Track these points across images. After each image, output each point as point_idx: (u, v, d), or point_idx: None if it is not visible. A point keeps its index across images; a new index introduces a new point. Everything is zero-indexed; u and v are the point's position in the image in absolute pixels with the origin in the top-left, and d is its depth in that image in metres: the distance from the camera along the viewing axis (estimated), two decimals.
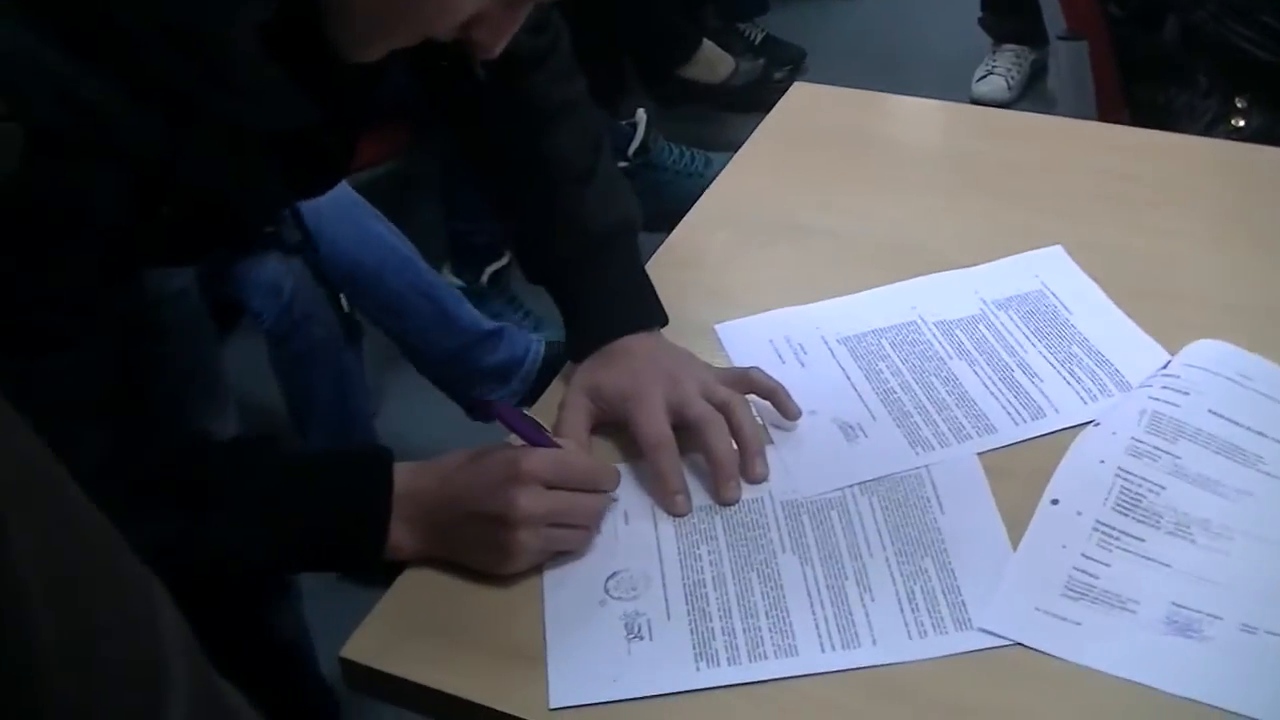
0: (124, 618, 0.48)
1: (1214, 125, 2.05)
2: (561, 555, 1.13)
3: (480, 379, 2.42)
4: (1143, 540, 1.10)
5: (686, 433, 1.20)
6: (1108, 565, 1.08)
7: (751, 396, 1.24)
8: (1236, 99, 2.02)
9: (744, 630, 1.07)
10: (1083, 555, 1.09)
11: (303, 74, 1.00)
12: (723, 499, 1.18)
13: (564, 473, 1.13)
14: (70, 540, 0.47)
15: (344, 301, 2.18)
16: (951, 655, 1.03)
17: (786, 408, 1.24)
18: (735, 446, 1.20)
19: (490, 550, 1.11)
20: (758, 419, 1.23)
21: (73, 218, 0.96)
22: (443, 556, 1.13)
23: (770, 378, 1.25)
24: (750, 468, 1.19)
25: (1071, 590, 1.06)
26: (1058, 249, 1.43)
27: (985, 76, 3.51)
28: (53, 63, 0.89)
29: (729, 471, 1.18)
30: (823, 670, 1.03)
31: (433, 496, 1.12)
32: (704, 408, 1.20)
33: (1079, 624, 1.04)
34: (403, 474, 1.12)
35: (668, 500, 1.17)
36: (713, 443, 1.19)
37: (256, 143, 1.04)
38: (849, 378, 1.30)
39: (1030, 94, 3.51)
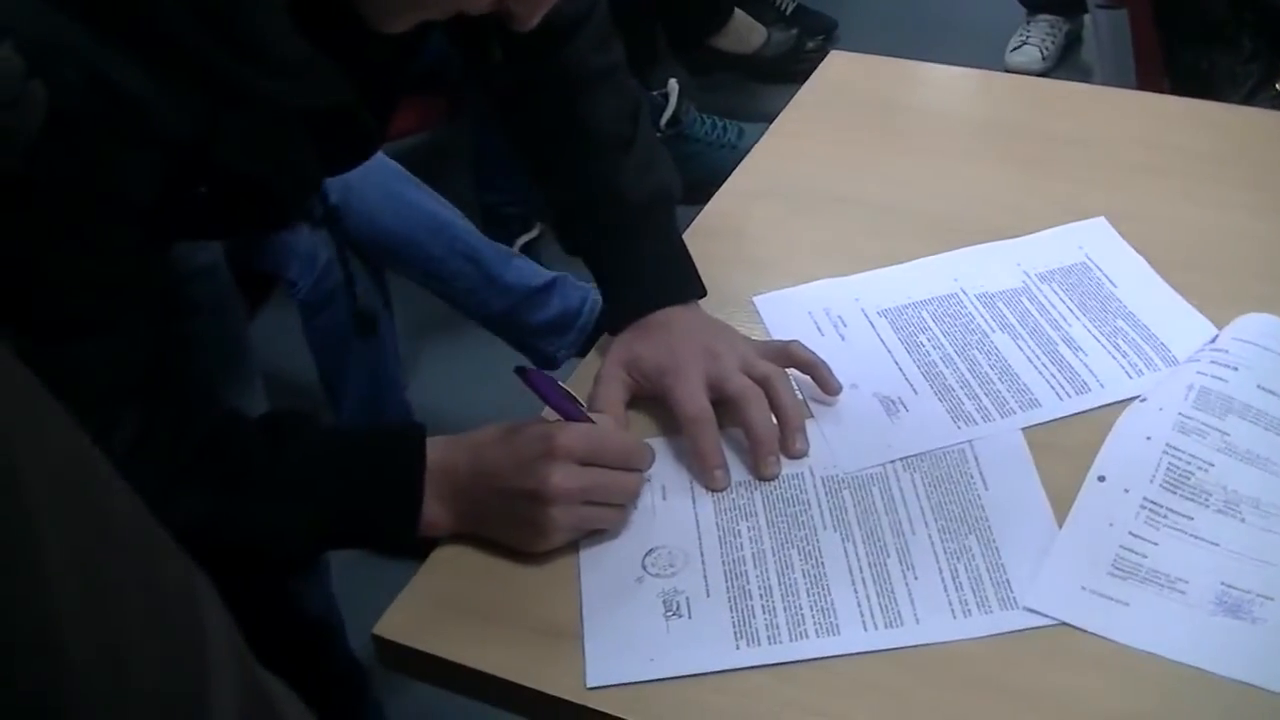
0: (163, 632, 0.46)
1: (1256, 92, 2.03)
2: (596, 533, 1.12)
3: (536, 334, 2.41)
4: (1191, 518, 1.07)
5: (725, 408, 1.19)
6: (1156, 544, 1.06)
7: (791, 370, 1.22)
8: None
9: (785, 608, 1.05)
10: (1130, 534, 1.07)
11: (335, 48, 0.98)
12: (762, 475, 1.16)
13: (599, 449, 1.11)
14: (108, 553, 0.45)
15: (355, 278, 2.17)
16: (996, 635, 1.02)
17: (827, 382, 1.22)
18: (775, 422, 1.18)
19: (523, 526, 1.10)
20: (798, 393, 1.21)
21: (106, 200, 0.95)
22: (476, 532, 1.12)
23: (810, 351, 1.23)
24: (790, 443, 1.17)
25: (1119, 569, 1.04)
26: (1101, 220, 1.41)
27: (1019, 47, 3.47)
28: (84, 46, 0.88)
29: (769, 447, 1.16)
30: (865, 650, 1.02)
31: (466, 472, 1.10)
32: (743, 382, 1.18)
33: (1127, 604, 1.02)
34: (436, 449, 1.11)
35: (707, 476, 1.16)
36: (752, 418, 1.17)
37: (292, 121, 1.02)
38: (889, 350, 1.28)
39: (1064, 64, 3.47)
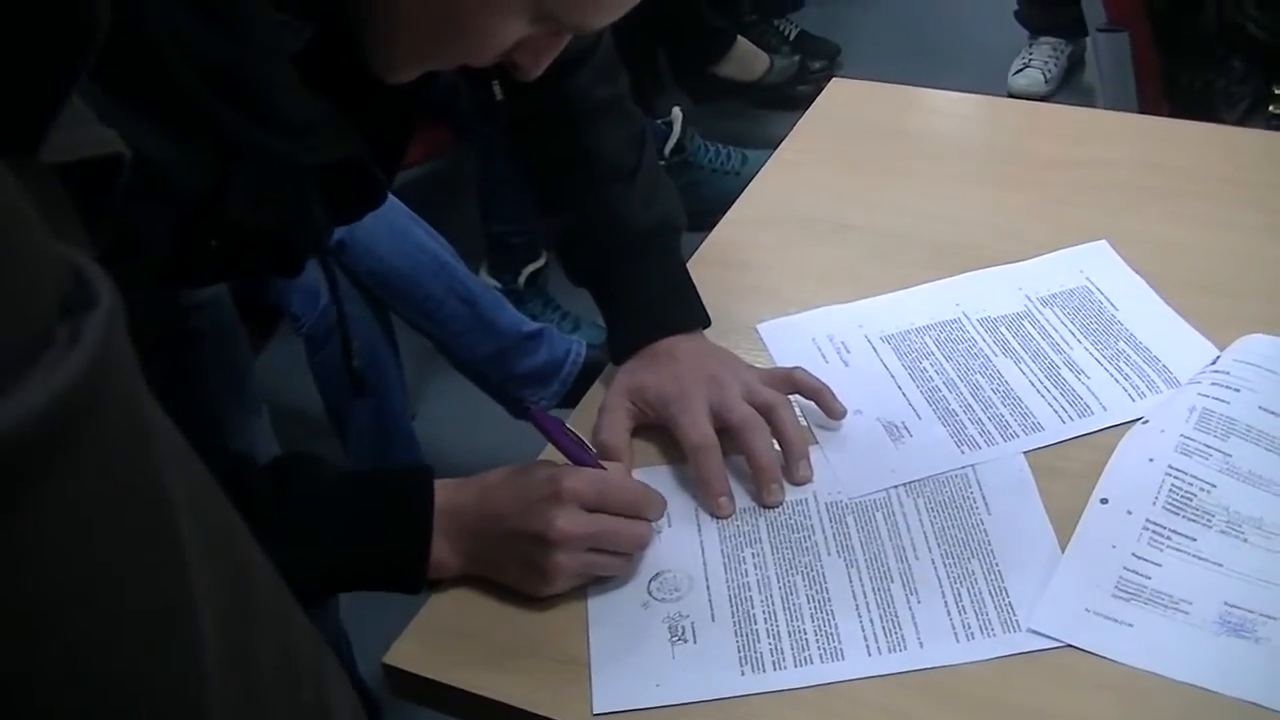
0: (293, 705, 0.47)
1: (1251, 111, 2.04)
2: (603, 579, 1.12)
3: (520, 382, 2.41)
4: (1194, 540, 1.08)
5: (729, 436, 1.19)
6: (1159, 565, 1.06)
7: (796, 396, 1.23)
8: (1274, 86, 2.00)
9: (789, 634, 1.06)
10: (1133, 555, 1.07)
11: (342, 101, 0.99)
12: (765, 503, 1.17)
13: (607, 495, 1.11)
14: (250, 621, 0.45)
15: (351, 323, 2.17)
16: (999, 658, 1.02)
17: (832, 407, 1.23)
18: (778, 449, 1.19)
19: (527, 569, 1.10)
20: (801, 420, 1.22)
21: (120, 255, 0.95)
22: (483, 574, 1.12)
23: (814, 377, 1.24)
24: (794, 471, 1.18)
25: (1122, 591, 1.05)
26: (1103, 244, 1.41)
27: (1022, 70, 3.48)
28: (95, 102, 0.88)
29: (772, 474, 1.17)
30: (869, 674, 1.02)
31: (473, 513, 1.11)
32: (746, 411, 1.19)
33: (1131, 625, 1.03)
34: (444, 491, 1.11)
35: (712, 503, 1.17)
36: (755, 447, 1.18)
37: (303, 175, 1.03)
38: (893, 376, 1.29)
39: (1067, 86, 3.49)
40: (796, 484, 1.18)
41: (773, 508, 1.17)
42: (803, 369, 1.25)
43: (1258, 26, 1.91)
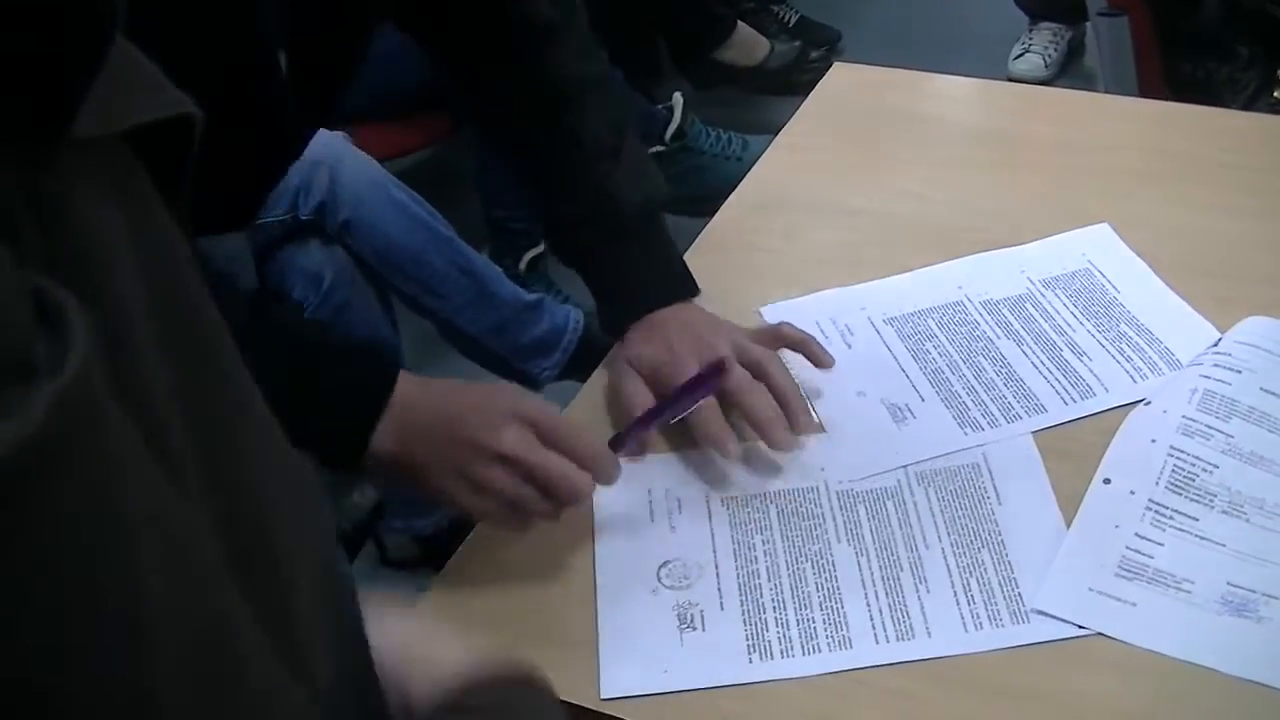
0: None
1: (1256, 98, 2.04)
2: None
3: (524, 353, 2.42)
4: (1196, 519, 1.09)
5: (727, 401, 1.20)
6: (1161, 545, 1.07)
7: (794, 367, 1.23)
8: (1279, 70, 2.00)
9: (798, 622, 1.06)
10: (1136, 535, 1.08)
11: None
12: (775, 444, 1.17)
13: (561, 434, 1.09)
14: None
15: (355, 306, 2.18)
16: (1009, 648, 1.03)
17: (819, 357, 1.25)
18: (776, 405, 1.19)
19: (460, 479, 1.07)
20: (795, 376, 1.22)
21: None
22: (413, 479, 1.10)
23: (799, 330, 1.26)
24: (795, 422, 1.18)
25: (1125, 570, 1.06)
26: (1105, 227, 1.42)
27: (1022, 55, 3.48)
28: None
29: (775, 424, 1.17)
30: (877, 663, 1.03)
31: (428, 411, 1.10)
32: (740, 373, 1.20)
33: (1134, 604, 1.03)
34: (408, 383, 1.10)
35: (721, 449, 1.17)
36: (753, 404, 1.18)
37: None
38: (896, 358, 1.29)
39: (1067, 71, 3.49)
40: (802, 433, 1.18)
41: (783, 450, 1.17)
42: (788, 323, 1.27)
43: (1276, 8, 1.91)
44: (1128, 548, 1.07)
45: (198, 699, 0.40)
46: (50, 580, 0.35)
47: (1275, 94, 1.99)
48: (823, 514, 1.15)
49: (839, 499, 1.16)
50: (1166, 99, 2.00)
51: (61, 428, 0.34)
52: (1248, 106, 2.01)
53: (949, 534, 1.12)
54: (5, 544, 0.34)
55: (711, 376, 1.17)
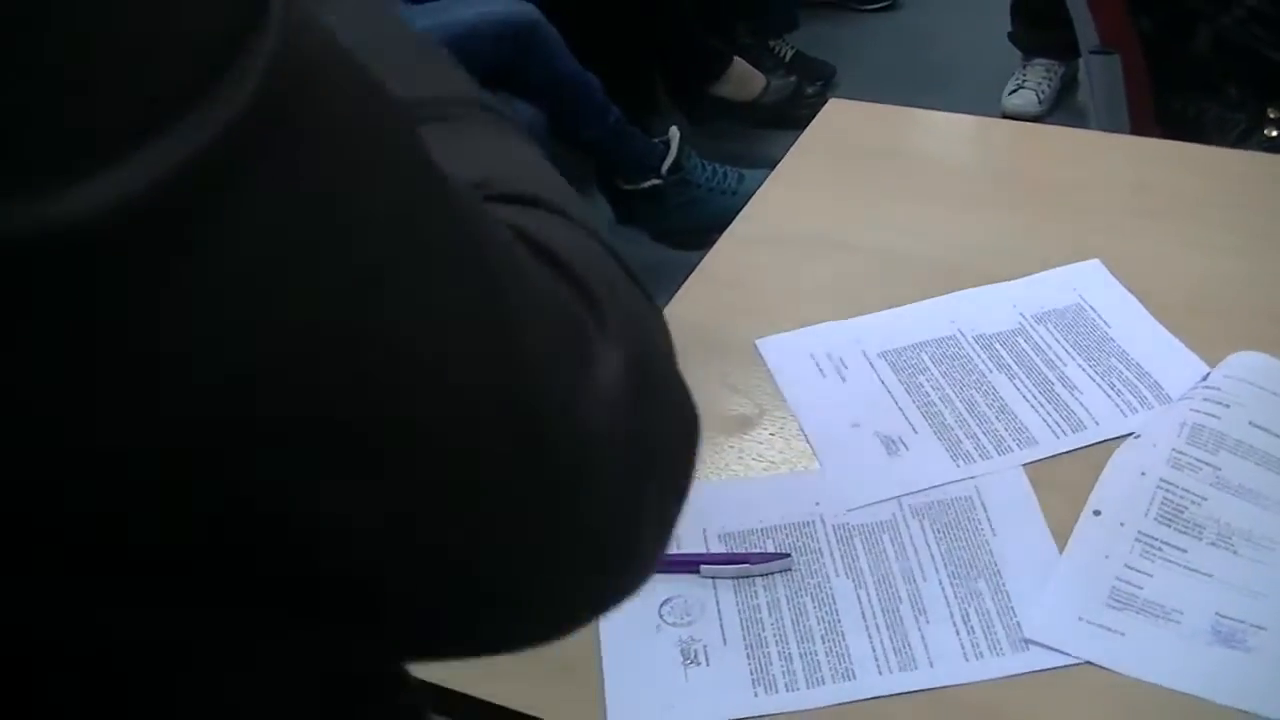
0: None
1: (1245, 137, 2.06)
2: None
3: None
4: (1185, 551, 1.10)
5: None
6: (1150, 575, 1.09)
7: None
8: (1269, 109, 2.03)
9: (800, 655, 1.07)
10: (1126, 565, 1.10)
11: None
12: None
13: None
14: None
15: None
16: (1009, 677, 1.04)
17: None
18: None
19: None
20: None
21: None
22: None
23: None
24: None
25: (1115, 600, 1.07)
26: (1095, 263, 1.44)
27: (1016, 90, 3.51)
28: None
29: None
30: (880, 694, 1.04)
31: None
32: None
33: (1123, 634, 1.05)
34: None
35: None
36: None
37: None
38: (889, 391, 1.31)
39: (1061, 107, 3.52)
40: None
41: None
42: None
43: (1272, 48, 1.93)
44: (1118, 578, 1.09)
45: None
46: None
47: (1265, 133, 2.01)
48: (820, 549, 1.16)
49: (836, 533, 1.17)
50: (1158, 136, 2.03)
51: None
52: (1238, 145, 2.03)
53: (945, 565, 1.13)
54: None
55: None
